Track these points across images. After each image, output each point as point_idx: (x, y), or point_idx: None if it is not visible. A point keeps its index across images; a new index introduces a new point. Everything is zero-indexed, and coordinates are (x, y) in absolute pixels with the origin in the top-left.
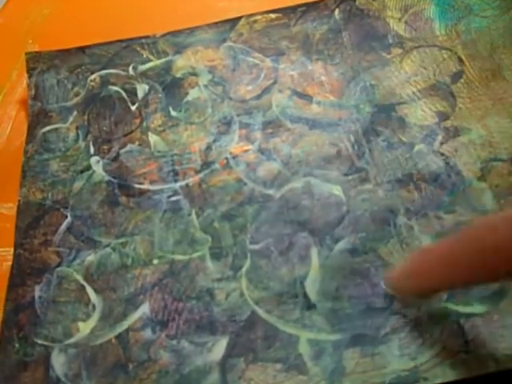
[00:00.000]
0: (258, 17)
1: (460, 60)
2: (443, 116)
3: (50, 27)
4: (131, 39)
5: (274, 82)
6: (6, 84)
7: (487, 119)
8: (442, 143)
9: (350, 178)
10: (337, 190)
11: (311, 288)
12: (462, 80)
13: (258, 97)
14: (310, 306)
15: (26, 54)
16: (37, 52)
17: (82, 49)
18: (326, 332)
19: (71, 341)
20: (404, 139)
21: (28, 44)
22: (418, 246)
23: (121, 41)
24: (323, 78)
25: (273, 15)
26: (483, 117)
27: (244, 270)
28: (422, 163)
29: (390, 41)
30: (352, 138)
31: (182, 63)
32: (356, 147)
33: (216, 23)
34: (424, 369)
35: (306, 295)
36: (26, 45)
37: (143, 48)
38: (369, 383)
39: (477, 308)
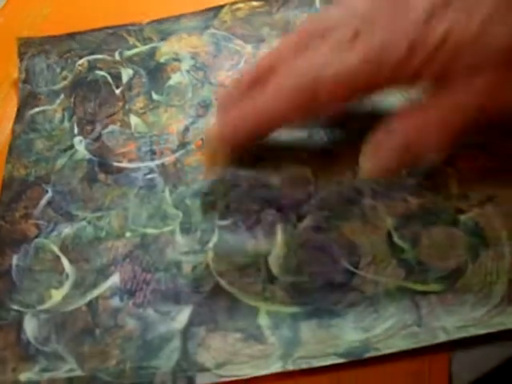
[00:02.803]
0: (241, 5)
1: None
2: None
3: (50, 27)
4: (119, 26)
5: None
6: (6, 84)
7: None
8: None
9: (319, 159)
10: (306, 170)
11: (274, 263)
12: None
13: None
14: (272, 279)
15: (19, 39)
16: (28, 37)
17: (71, 35)
18: (285, 305)
19: (44, 307)
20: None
21: None
22: (381, 225)
23: (109, 27)
24: None
25: (255, 3)
26: None
27: (211, 244)
28: None
29: None
30: (324, 122)
31: (166, 49)
32: (328, 131)
33: (200, 11)
34: (376, 340)
35: (268, 269)
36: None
37: (130, 35)
38: (323, 353)
39: (433, 287)
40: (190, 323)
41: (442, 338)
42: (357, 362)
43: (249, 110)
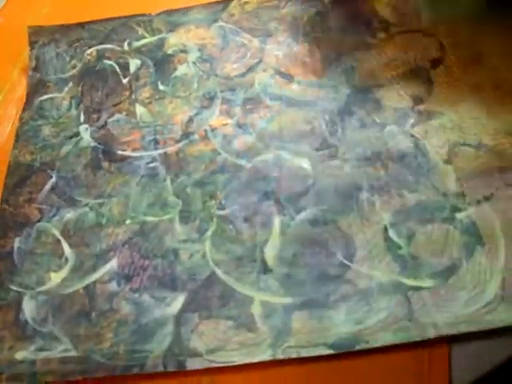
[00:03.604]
0: None
1: (442, 46)
2: (418, 100)
3: None
4: (128, 16)
5: (259, 62)
6: (7, 83)
7: (461, 105)
8: (413, 125)
9: (320, 153)
10: (305, 164)
11: (270, 254)
12: (442, 66)
13: (243, 75)
14: (266, 270)
15: (29, 27)
16: (39, 26)
17: (81, 24)
18: (279, 295)
19: (42, 289)
20: (377, 120)
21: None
22: (377, 220)
23: (118, 18)
24: (307, 59)
25: None
26: (457, 102)
27: (209, 233)
28: (392, 143)
29: (375, 25)
30: (327, 117)
31: (174, 41)
32: (329, 125)
33: (210, 4)
34: (367, 333)
35: (264, 260)
36: (25, 45)
37: (139, 25)
38: (313, 343)
39: (426, 282)
40: (184, 309)
41: (432, 333)
42: (356, 361)
43: None
